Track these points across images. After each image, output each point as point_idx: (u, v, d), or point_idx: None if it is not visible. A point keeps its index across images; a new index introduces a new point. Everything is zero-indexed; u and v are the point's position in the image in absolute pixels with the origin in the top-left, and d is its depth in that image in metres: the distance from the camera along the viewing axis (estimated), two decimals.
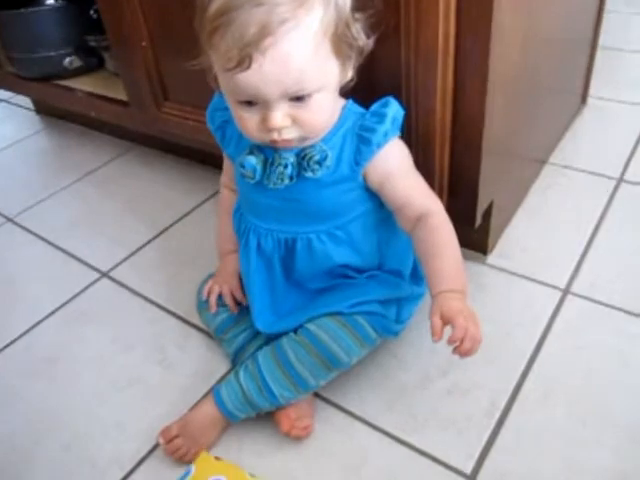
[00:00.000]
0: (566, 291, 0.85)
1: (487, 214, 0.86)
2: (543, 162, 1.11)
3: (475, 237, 0.89)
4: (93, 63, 1.26)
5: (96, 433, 0.74)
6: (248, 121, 0.59)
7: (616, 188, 1.04)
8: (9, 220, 1.16)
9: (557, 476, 0.64)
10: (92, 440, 0.73)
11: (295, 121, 0.58)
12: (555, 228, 0.96)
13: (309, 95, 0.57)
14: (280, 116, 0.57)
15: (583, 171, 1.09)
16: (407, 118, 0.68)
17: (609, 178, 1.06)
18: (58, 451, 0.72)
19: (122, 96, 1.13)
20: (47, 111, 1.53)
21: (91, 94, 1.21)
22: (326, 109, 0.61)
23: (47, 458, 0.72)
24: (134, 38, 0.97)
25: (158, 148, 1.30)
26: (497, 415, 0.70)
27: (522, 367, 0.75)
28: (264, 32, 0.52)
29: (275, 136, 0.59)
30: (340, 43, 0.57)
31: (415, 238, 0.67)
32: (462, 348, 0.58)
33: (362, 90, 0.63)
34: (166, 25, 0.93)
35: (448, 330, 0.59)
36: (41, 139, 1.46)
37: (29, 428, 0.75)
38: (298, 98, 0.57)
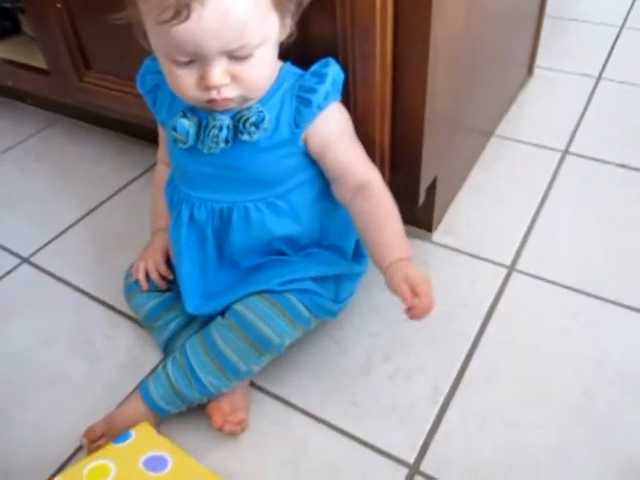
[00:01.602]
0: (511, 268, 0.83)
1: (431, 190, 0.82)
2: (489, 134, 1.08)
3: (419, 214, 0.86)
4: (8, 26, 1.15)
5: (11, 438, 0.67)
6: (184, 80, 0.55)
7: (562, 160, 1.02)
8: None
9: (501, 460, 0.62)
10: (6, 447, 0.66)
11: (235, 78, 0.54)
12: (501, 203, 0.94)
13: (250, 52, 0.53)
14: (219, 73, 0.53)
15: (529, 143, 1.07)
16: (345, 87, 0.63)
17: (555, 150, 1.05)
18: None
19: (41, 63, 1.03)
20: None
21: (7, 61, 1.10)
22: (267, 66, 0.57)
23: None
24: None
25: (86, 120, 1.20)
26: (440, 400, 0.67)
27: (466, 349, 0.73)
28: None
29: (214, 94, 0.55)
30: None
31: (356, 209, 0.63)
32: (420, 311, 0.57)
33: (297, 57, 0.58)
34: None
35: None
36: None
37: None
38: (238, 54, 0.53)
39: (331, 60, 0.61)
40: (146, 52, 0.60)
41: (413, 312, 0.57)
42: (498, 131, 1.10)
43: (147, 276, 0.74)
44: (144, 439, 0.60)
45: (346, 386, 0.70)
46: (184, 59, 0.53)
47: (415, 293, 0.56)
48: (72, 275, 0.87)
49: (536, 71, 1.27)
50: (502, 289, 0.80)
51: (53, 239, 0.94)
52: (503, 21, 0.94)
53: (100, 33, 0.89)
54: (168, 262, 0.74)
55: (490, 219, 0.91)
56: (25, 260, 0.91)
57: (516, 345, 0.73)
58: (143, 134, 1.10)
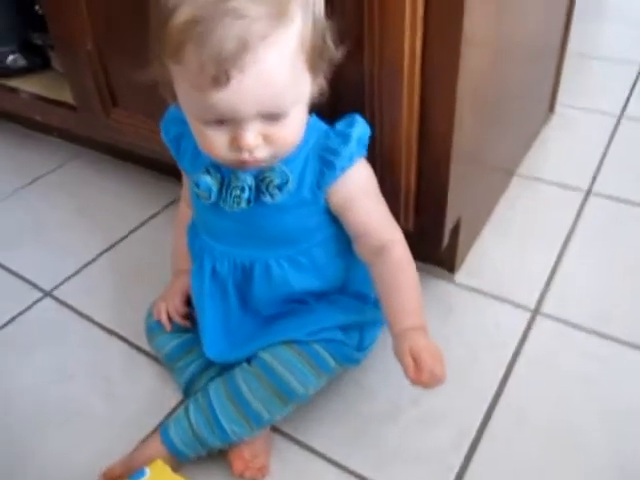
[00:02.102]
0: (536, 311, 0.81)
1: (455, 230, 0.82)
2: (511, 173, 1.08)
3: (442, 254, 0.85)
4: (38, 62, 1.18)
5: (28, 475, 0.67)
6: (215, 140, 0.53)
7: (585, 200, 1.01)
8: None
9: None
10: None
11: (267, 139, 0.53)
12: (524, 243, 0.93)
13: (285, 112, 0.52)
14: (253, 135, 0.52)
15: (552, 183, 1.06)
16: (371, 130, 0.63)
17: (578, 190, 1.04)
18: None
19: (69, 99, 1.05)
20: None
21: (36, 96, 1.13)
22: (299, 125, 0.56)
23: None
24: (79, 40, 0.90)
25: (110, 154, 1.22)
26: (467, 446, 0.66)
27: (492, 393, 0.71)
28: (244, 48, 0.46)
29: (246, 156, 0.53)
30: (315, 56, 0.53)
31: (375, 271, 0.63)
32: (426, 385, 0.57)
33: (325, 104, 0.58)
34: (113, 28, 0.86)
35: None
36: None
37: None
38: (272, 116, 0.52)
39: (357, 118, 0.60)
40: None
41: (417, 384, 0.57)
42: (520, 170, 1.09)
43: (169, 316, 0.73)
44: (159, 477, 0.59)
45: (371, 431, 0.68)
46: (217, 120, 0.52)
47: (418, 366, 0.56)
48: (93, 310, 0.87)
49: (557, 108, 1.27)
50: (527, 332, 0.79)
51: (75, 273, 0.95)
52: (527, 59, 0.95)
53: (128, 73, 0.91)
54: (188, 302, 0.74)
55: (513, 260, 0.90)
56: (47, 294, 0.91)
57: (542, 391, 0.71)
58: (166, 169, 1.11)
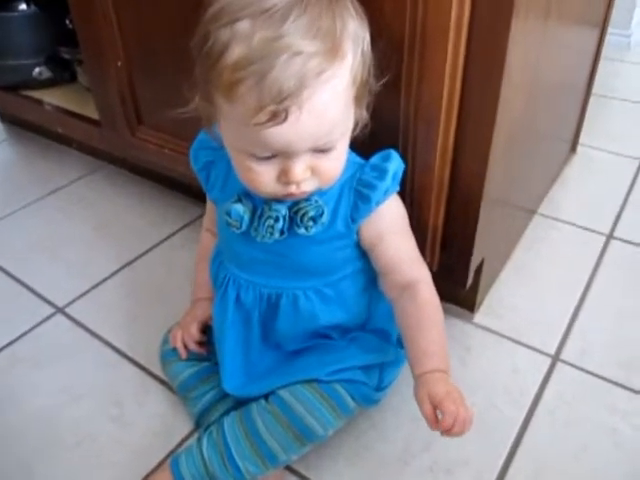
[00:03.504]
0: (556, 358, 0.80)
1: (477, 271, 0.81)
2: (532, 213, 1.07)
3: (463, 294, 0.84)
4: (65, 76, 1.19)
5: None
6: (262, 175, 0.53)
7: (606, 245, 1.00)
8: None
9: None
10: None
11: (314, 172, 0.54)
12: (544, 286, 0.92)
13: (334, 145, 0.52)
14: (302, 169, 0.52)
15: (572, 224, 1.05)
16: (403, 170, 0.62)
17: (599, 234, 1.03)
18: None
19: (92, 113, 1.05)
20: (13, 121, 1.44)
21: (60, 109, 1.13)
22: (343, 157, 0.56)
23: None
24: (108, 56, 0.90)
25: (130, 170, 1.22)
26: None
27: (510, 442, 0.70)
28: (302, 84, 0.46)
29: (293, 189, 0.53)
30: (362, 89, 0.53)
31: (399, 309, 0.62)
32: (452, 432, 0.54)
33: (359, 141, 0.58)
34: (145, 46, 0.86)
35: None
36: (3, 150, 1.36)
37: None
38: (322, 149, 0.52)
39: (393, 153, 0.60)
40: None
41: (440, 431, 0.54)
42: (541, 210, 1.08)
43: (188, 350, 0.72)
44: None
45: (383, 475, 0.66)
46: (266, 155, 0.52)
47: (442, 413, 0.54)
48: (106, 330, 0.86)
49: (579, 149, 1.26)
50: (546, 380, 0.77)
51: (89, 290, 0.94)
52: (554, 99, 0.94)
53: (156, 92, 0.91)
54: (205, 331, 0.73)
55: (533, 303, 0.89)
56: (60, 310, 0.90)
57: (562, 443, 0.69)
58: (187, 189, 1.10)
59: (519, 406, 0.74)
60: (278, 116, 0.47)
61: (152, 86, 0.91)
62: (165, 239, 1.04)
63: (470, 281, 0.77)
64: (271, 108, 0.47)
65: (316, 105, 0.48)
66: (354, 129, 0.56)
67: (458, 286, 0.77)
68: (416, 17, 0.56)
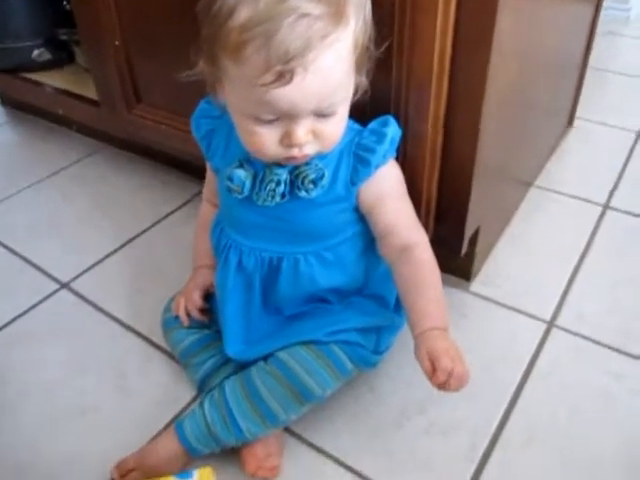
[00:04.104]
0: (551, 324, 0.81)
1: (473, 240, 0.82)
2: (529, 185, 1.08)
3: (458, 263, 0.85)
4: (63, 57, 1.20)
5: (40, 469, 0.67)
6: (264, 137, 0.54)
7: (602, 215, 1.01)
8: None
9: None
10: (39, 476, 0.66)
11: (316, 135, 0.55)
12: (540, 255, 0.93)
13: (336, 109, 0.54)
14: (304, 131, 0.54)
15: (569, 195, 1.06)
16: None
17: (595, 204, 1.04)
18: None
19: (92, 94, 1.06)
20: (13, 103, 1.45)
21: (60, 90, 1.15)
22: (344, 122, 0.58)
23: None
24: (106, 35, 0.91)
25: (130, 150, 1.23)
26: (478, 457, 0.66)
27: (505, 405, 0.71)
28: (308, 46, 0.48)
29: (295, 152, 0.55)
30: (363, 56, 0.54)
31: (397, 271, 0.63)
32: (448, 387, 0.56)
33: (353, 109, 0.59)
34: (142, 24, 0.87)
35: None
36: (4, 133, 1.37)
37: None
38: (324, 113, 0.53)
39: (390, 118, 0.61)
40: (199, 89, 0.61)
41: (436, 387, 0.56)
42: (538, 182, 1.09)
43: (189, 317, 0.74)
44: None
45: (381, 436, 0.68)
46: (270, 117, 0.53)
47: (435, 368, 0.55)
48: (109, 304, 0.88)
49: (576, 122, 1.27)
50: (541, 345, 0.78)
51: (92, 266, 0.95)
52: (549, 71, 0.95)
53: (154, 69, 0.92)
54: (207, 298, 0.74)
55: (529, 271, 0.90)
56: (64, 285, 0.92)
57: (556, 405, 0.71)
58: (185, 167, 1.11)
59: (514, 370, 0.75)
60: (284, 77, 0.49)
61: (150, 63, 0.92)
62: (165, 216, 1.05)
63: (465, 249, 0.79)
64: (277, 68, 0.48)
65: (321, 67, 0.49)
66: (354, 95, 0.57)
67: (453, 255, 0.79)
68: None
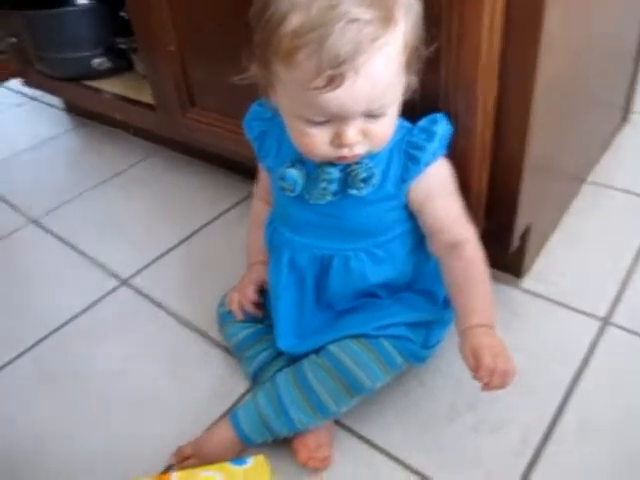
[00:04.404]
0: (606, 321, 0.80)
1: (524, 236, 0.81)
2: (582, 180, 1.06)
3: (510, 259, 0.85)
4: (122, 65, 1.25)
5: (105, 452, 0.71)
6: (315, 138, 0.56)
7: None
8: (32, 221, 1.15)
9: None
10: (100, 460, 0.70)
11: (366, 135, 0.57)
12: (594, 252, 0.91)
13: (385, 110, 0.55)
14: (355, 131, 0.55)
15: (623, 191, 1.03)
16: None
17: None
18: (61, 473, 0.70)
19: (149, 99, 1.11)
20: (77, 110, 1.53)
21: (118, 96, 1.20)
22: (394, 122, 0.59)
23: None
24: (162, 42, 0.95)
25: (185, 152, 1.28)
26: (529, 454, 0.66)
27: (557, 402, 0.71)
28: (358, 50, 0.49)
29: (346, 152, 0.57)
30: (413, 55, 0.56)
31: (446, 267, 0.64)
32: (491, 385, 0.57)
33: (402, 108, 0.60)
34: (195, 30, 0.91)
35: None
36: (70, 139, 1.45)
37: (33, 445, 0.73)
38: (374, 114, 0.55)
39: (440, 116, 0.62)
40: (250, 92, 0.63)
41: (480, 384, 0.57)
42: (591, 177, 1.07)
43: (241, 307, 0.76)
44: (256, 471, 0.62)
45: (431, 431, 0.69)
46: (321, 119, 0.55)
47: (479, 366, 0.56)
48: (167, 299, 0.92)
49: (632, 117, 1.23)
50: (596, 342, 0.77)
51: (151, 263, 1.00)
52: (602, 64, 0.93)
53: (207, 73, 0.95)
54: (260, 293, 0.77)
55: (582, 268, 0.88)
56: (124, 282, 0.97)
57: (610, 402, 0.70)
58: (238, 168, 1.15)
59: (567, 367, 0.74)
60: (335, 81, 0.50)
61: (204, 68, 0.95)
62: (220, 215, 1.09)
63: (514, 246, 0.78)
64: (329, 73, 0.50)
65: (371, 70, 0.51)
66: (404, 94, 0.59)
67: (503, 251, 0.78)
68: None
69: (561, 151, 0.86)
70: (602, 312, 0.81)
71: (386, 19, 0.51)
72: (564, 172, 0.94)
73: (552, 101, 0.70)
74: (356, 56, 0.49)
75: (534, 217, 0.80)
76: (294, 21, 0.50)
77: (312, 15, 0.49)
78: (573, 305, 0.82)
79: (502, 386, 0.57)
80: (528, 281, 0.87)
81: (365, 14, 0.49)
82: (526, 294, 0.85)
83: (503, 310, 0.83)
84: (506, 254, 0.81)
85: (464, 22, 0.59)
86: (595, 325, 0.79)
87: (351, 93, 0.52)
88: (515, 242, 0.77)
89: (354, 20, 0.49)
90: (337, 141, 0.56)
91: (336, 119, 0.54)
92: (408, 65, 0.56)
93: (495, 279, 0.86)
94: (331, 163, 0.60)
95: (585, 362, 0.75)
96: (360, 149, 0.57)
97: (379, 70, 0.52)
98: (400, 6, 0.52)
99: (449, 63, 0.62)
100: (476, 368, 0.57)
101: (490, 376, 0.56)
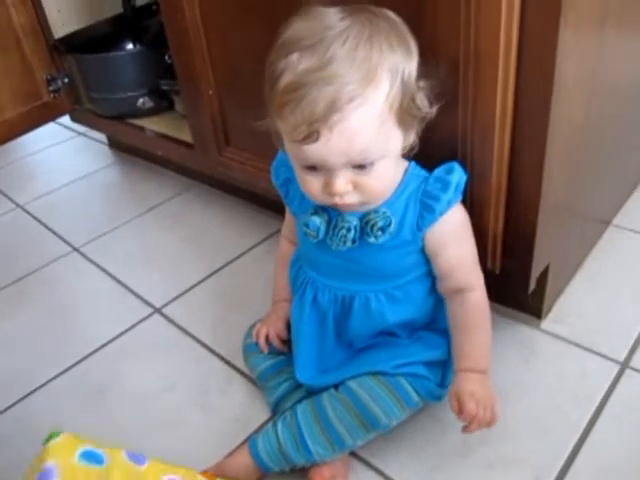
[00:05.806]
0: (625, 365, 0.80)
1: (543, 277, 0.83)
2: (606, 223, 1.06)
3: (530, 300, 0.86)
4: (164, 105, 1.33)
5: None
6: (312, 184, 0.61)
7: None
8: (75, 250, 1.22)
9: None
10: None
11: (357, 187, 0.60)
12: (616, 296, 0.91)
13: (372, 163, 0.58)
14: (343, 182, 0.59)
15: None
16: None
17: None
18: None
19: (187, 138, 1.18)
20: (119, 146, 1.62)
21: (159, 134, 1.27)
22: (387, 176, 0.62)
23: None
24: (202, 86, 1.02)
25: (219, 188, 1.34)
26: None
27: (572, 445, 0.71)
28: (332, 109, 0.54)
29: (337, 200, 0.61)
30: (404, 115, 0.59)
31: (450, 310, 0.68)
32: (470, 429, 0.62)
33: (419, 155, 0.64)
34: (232, 77, 0.97)
35: None
36: (111, 172, 1.54)
37: None
38: (361, 166, 0.58)
39: (455, 165, 0.65)
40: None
41: (464, 426, 0.63)
42: (616, 220, 1.08)
43: (267, 340, 0.80)
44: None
45: (445, 467, 0.70)
46: (312, 166, 0.59)
47: (461, 410, 0.61)
48: (196, 328, 0.96)
49: None
50: (614, 386, 0.77)
51: (182, 293, 1.05)
52: (625, 105, 0.94)
53: (241, 115, 1.01)
54: (287, 329, 0.80)
55: (603, 311, 0.89)
56: (157, 310, 1.02)
57: (627, 448, 0.70)
58: (268, 204, 1.20)
59: (584, 409, 0.75)
60: (310, 136, 0.55)
61: (239, 111, 1.01)
62: (249, 249, 1.14)
63: (532, 286, 0.80)
64: (304, 129, 0.54)
65: (346, 128, 0.55)
66: (403, 150, 0.62)
67: (522, 291, 0.80)
68: (469, 39, 0.61)
69: (581, 194, 0.87)
70: (621, 355, 0.81)
71: (366, 79, 0.54)
72: (585, 214, 0.95)
73: (569, 145, 0.72)
74: (329, 115, 0.53)
75: (553, 259, 0.82)
76: (284, 80, 0.55)
77: (298, 75, 0.54)
78: (592, 347, 0.83)
79: (476, 430, 0.62)
80: (548, 322, 0.88)
81: (348, 75, 0.53)
82: (546, 334, 0.86)
83: (522, 349, 0.84)
84: (526, 295, 0.83)
85: (480, 75, 0.62)
86: (614, 368, 0.80)
87: (327, 148, 0.56)
88: (533, 283, 0.79)
89: (333, 80, 0.53)
90: (327, 189, 0.60)
91: (323, 169, 0.59)
92: (401, 123, 0.59)
93: (515, 319, 0.88)
94: (351, 211, 0.64)
95: (602, 405, 0.75)
96: (352, 199, 0.61)
97: (355, 128, 0.55)
98: (384, 68, 0.55)
99: (466, 113, 0.66)
100: (459, 411, 0.61)
101: (470, 422, 0.61)
